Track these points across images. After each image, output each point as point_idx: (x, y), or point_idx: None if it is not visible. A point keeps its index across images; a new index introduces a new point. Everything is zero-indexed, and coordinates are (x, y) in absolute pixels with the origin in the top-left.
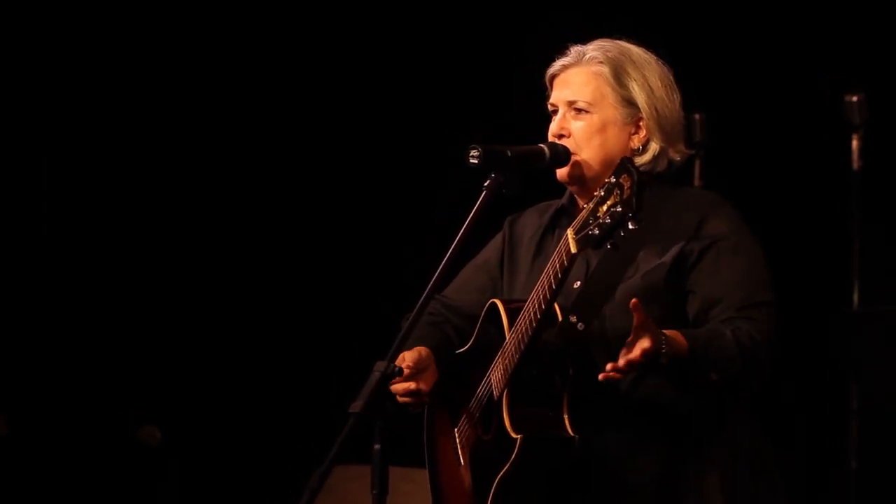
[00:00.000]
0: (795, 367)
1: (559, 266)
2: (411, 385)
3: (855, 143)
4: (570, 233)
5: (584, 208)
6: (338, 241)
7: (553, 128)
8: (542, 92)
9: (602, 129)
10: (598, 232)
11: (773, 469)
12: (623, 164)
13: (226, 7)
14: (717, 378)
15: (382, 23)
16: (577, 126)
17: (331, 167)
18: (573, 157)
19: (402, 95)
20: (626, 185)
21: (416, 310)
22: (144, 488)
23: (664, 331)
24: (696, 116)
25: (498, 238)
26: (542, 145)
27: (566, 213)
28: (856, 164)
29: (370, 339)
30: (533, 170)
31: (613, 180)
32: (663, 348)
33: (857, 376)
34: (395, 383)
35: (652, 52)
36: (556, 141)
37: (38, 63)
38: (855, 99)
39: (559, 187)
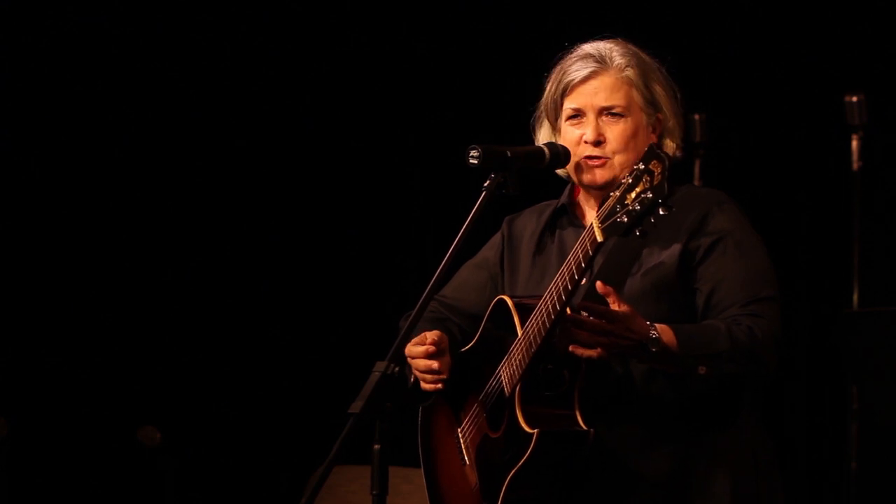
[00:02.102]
0: (796, 367)
1: (583, 256)
2: (433, 364)
3: (855, 143)
4: (595, 222)
5: (610, 197)
6: (338, 242)
7: (588, 134)
8: (540, 93)
9: (636, 133)
10: (626, 219)
11: (774, 469)
12: (652, 150)
13: (227, 8)
14: (707, 373)
15: (381, 25)
16: (614, 132)
17: (331, 168)
18: (607, 162)
19: (402, 96)
20: (657, 170)
21: (416, 309)
22: (144, 488)
23: (655, 324)
24: (696, 116)
25: (497, 237)
26: (541, 146)
27: (565, 213)
28: (856, 164)
29: (370, 339)
30: (532, 170)
31: (642, 166)
32: (653, 334)
33: (857, 377)
34: (417, 357)
35: (649, 54)
36: (592, 148)
37: (37, 63)
38: (855, 99)
39: (558, 188)
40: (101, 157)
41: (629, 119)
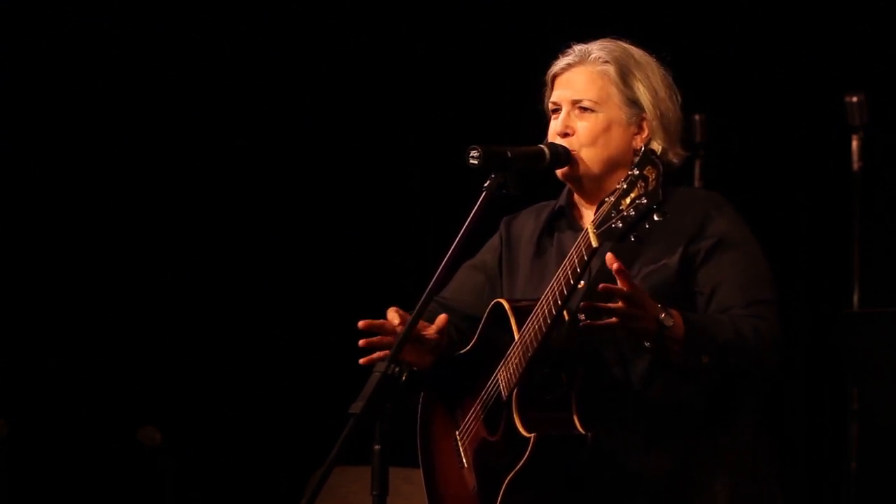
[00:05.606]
0: (795, 367)
1: (578, 262)
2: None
3: (855, 144)
4: (590, 227)
5: (605, 202)
6: (338, 242)
7: (557, 126)
8: (542, 93)
9: (607, 128)
10: (621, 225)
11: (773, 470)
12: (647, 156)
13: (227, 8)
14: (710, 363)
15: (382, 25)
16: (583, 125)
17: (331, 168)
18: (575, 156)
19: (402, 96)
20: (652, 176)
21: (416, 310)
22: (144, 488)
23: (666, 308)
24: (696, 117)
25: (495, 239)
26: (541, 146)
27: (564, 215)
28: (856, 165)
29: None
30: (532, 170)
31: (637, 172)
32: (664, 315)
33: (858, 377)
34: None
35: (652, 54)
36: (560, 139)
37: (37, 63)
38: (855, 99)
39: (557, 188)
40: (101, 157)
41: (600, 114)
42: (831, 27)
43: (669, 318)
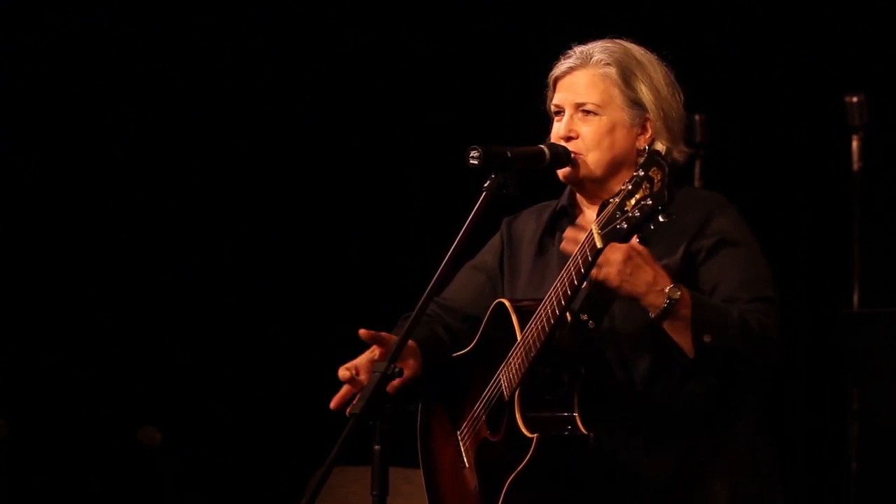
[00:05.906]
0: (796, 367)
1: (582, 262)
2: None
3: (855, 144)
4: (594, 228)
5: (609, 203)
6: (338, 243)
7: (560, 130)
8: (542, 93)
9: (611, 130)
10: (626, 226)
11: (774, 470)
12: (652, 157)
13: (227, 8)
14: (711, 342)
15: (382, 25)
16: (587, 128)
17: (331, 168)
18: (580, 159)
19: (402, 96)
20: (657, 177)
21: (415, 310)
22: (144, 488)
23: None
24: (697, 117)
25: (496, 239)
26: (541, 146)
27: (566, 214)
28: (856, 165)
29: None
30: (532, 171)
31: (642, 173)
32: (669, 287)
33: (858, 377)
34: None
35: (653, 52)
36: (564, 142)
37: (37, 63)
38: (855, 99)
39: (558, 188)
40: (101, 157)
41: (603, 117)
42: (831, 27)
43: (676, 290)
